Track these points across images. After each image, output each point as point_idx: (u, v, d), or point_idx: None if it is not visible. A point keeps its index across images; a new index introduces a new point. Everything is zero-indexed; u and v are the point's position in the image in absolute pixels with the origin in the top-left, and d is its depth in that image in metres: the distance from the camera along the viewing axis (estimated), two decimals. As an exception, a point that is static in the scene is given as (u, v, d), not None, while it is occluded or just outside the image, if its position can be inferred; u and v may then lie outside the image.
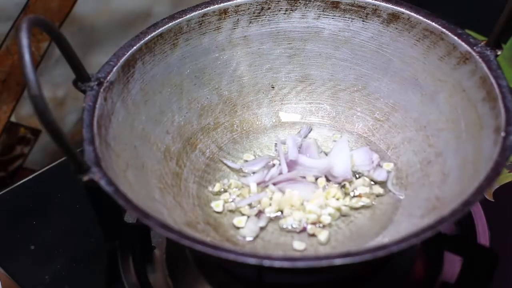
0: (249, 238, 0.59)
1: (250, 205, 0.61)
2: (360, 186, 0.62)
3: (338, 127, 0.68)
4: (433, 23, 0.61)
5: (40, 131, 0.81)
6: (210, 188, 0.63)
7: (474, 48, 0.58)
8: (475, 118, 0.56)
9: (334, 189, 0.61)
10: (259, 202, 0.61)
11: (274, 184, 0.62)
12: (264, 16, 0.66)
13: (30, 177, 0.75)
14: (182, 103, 0.65)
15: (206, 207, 0.62)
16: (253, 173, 0.64)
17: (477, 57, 0.57)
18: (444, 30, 0.60)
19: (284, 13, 0.66)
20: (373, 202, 0.61)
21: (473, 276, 0.58)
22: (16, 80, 0.76)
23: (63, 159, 0.75)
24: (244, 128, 0.68)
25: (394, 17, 0.63)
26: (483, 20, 0.70)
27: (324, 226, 0.59)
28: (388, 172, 0.63)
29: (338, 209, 0.60)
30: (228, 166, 0.65)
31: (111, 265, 0.64)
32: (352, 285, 0.59)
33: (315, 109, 0.69)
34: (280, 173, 0.63)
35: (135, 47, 0.59)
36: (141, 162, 0.58)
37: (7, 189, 0.74)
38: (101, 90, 0.55)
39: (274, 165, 0.65)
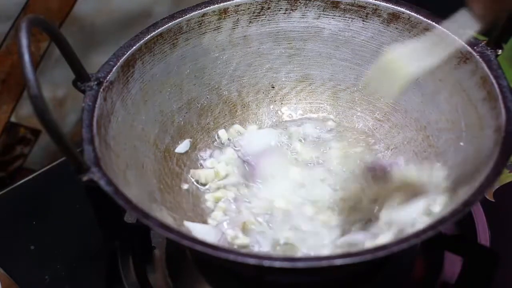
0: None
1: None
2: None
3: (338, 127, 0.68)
4: (434, 23, 0.61)
5: (40, 131, 0.81)
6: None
7: (475, 48, 0.58)
8: (475, 118, 0.56)
9: None
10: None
11: None
12: (264, 16, 0.66)
13: (30, 177, 0.75)
14: (182, 103, 0.65)
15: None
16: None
17: (478, 57, 0.57)
18: (444, 29, 0.60)
19: (284, 13, 0.66)
20: None
21: (473, 276, 0.58)
22: (16, 80, 0.76)
23: (63, 159, 0.75)
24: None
25: (394, 17, 0.63)
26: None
27: None
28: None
29: None
30: None
31: (111, 265, 0.64)
32: (352, 285, 0.59)
33: (315, 109, 0.69)
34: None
35: (134, 47, 0.59)
36: (141, 162, 0.58)
37: (7, 189, 0.74)
38: (101, 90, 0.55)
39: None
